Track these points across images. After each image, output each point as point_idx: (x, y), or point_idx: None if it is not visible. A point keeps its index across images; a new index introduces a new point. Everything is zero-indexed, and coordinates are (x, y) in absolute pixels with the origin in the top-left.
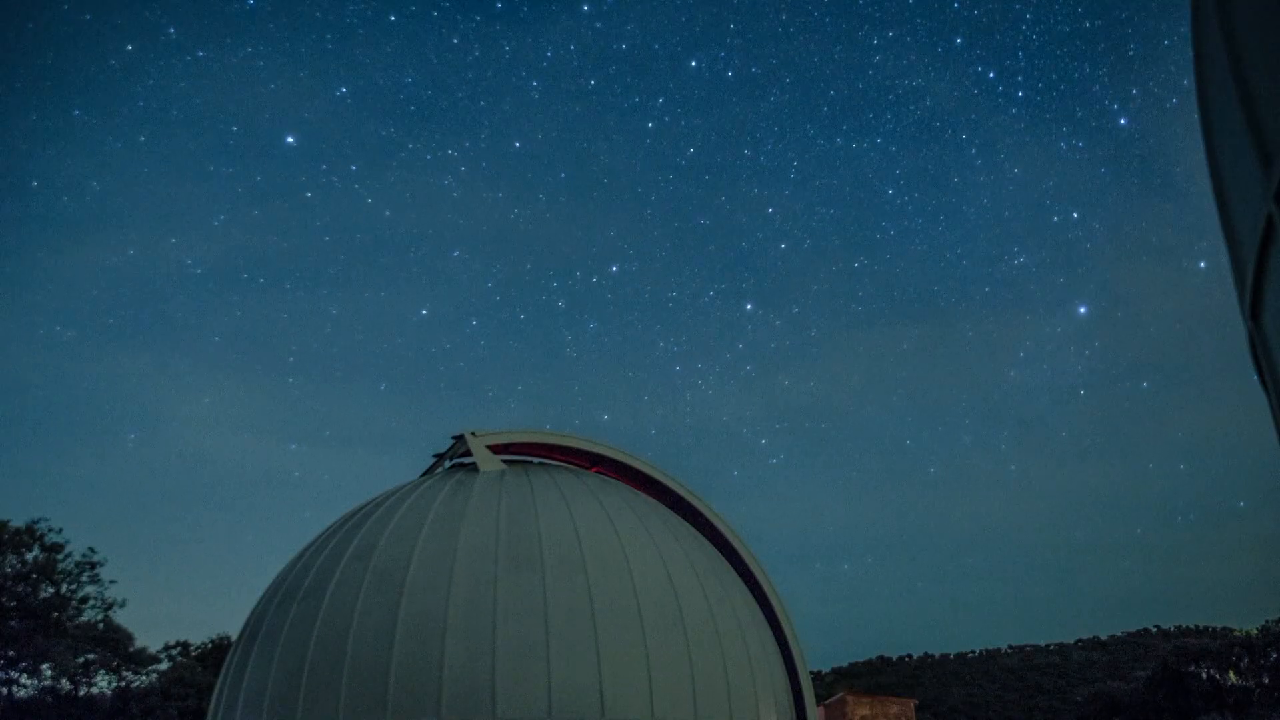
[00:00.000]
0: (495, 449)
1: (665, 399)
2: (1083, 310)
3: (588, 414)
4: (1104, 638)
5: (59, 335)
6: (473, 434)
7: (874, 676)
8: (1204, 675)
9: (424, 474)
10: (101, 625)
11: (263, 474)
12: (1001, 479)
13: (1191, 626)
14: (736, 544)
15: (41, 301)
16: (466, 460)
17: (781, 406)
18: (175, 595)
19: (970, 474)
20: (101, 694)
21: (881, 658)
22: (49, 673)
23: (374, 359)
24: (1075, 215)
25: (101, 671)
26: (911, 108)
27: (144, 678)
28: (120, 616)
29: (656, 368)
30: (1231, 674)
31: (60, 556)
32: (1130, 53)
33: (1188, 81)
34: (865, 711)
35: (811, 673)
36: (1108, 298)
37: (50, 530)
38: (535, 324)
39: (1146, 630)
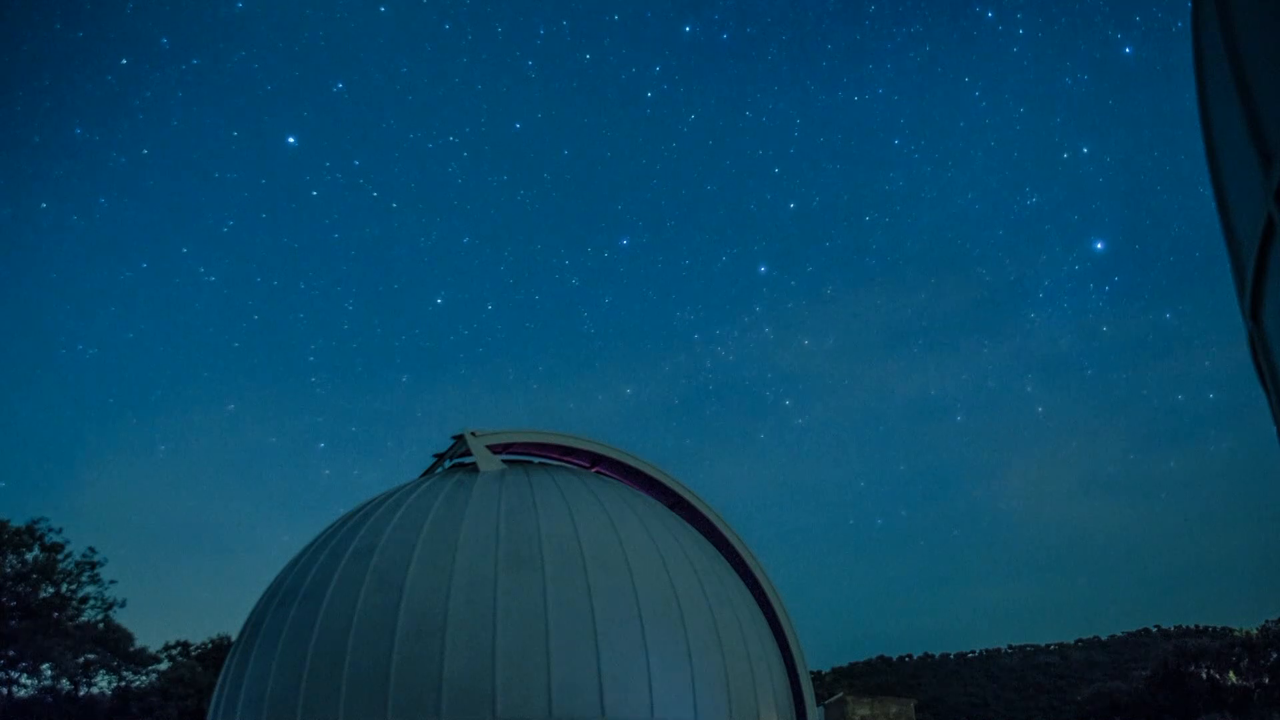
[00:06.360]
0: (495, 449)
1: (686, 368)
2: (1100, 246)
3: (610, 389)
4: (1104, 638)
5: (81, 354)
6: (473, 434)
7: (874, 676)
8: (1204, 675)
9: (424, 474)
10: (101, 625)
11: (292, 474)
12: (1030, 421)
13: (1191, 626)
14: (736, 544)
15: (59, 322)
16: (466, 460)
17: (803, 366)
18: (176, 595)
19: (998, 418)
20: (101, 694)
21: (881, 658)
22: (49, 673)
23: (394, 351)
24: (1085, 150)
25: (101, 671)
26: (911, 55)
27: (144, 678)
28: (120, 616)
29: (675, 337)
30: (1231, 674)
31: (60, 556)
32: None
33: (1190, 2)
34: (865, 711)
35: (811, 673)
36: (1124, 231)
37: (50, 530)
38: (551, 303)
39: (1146, 630)
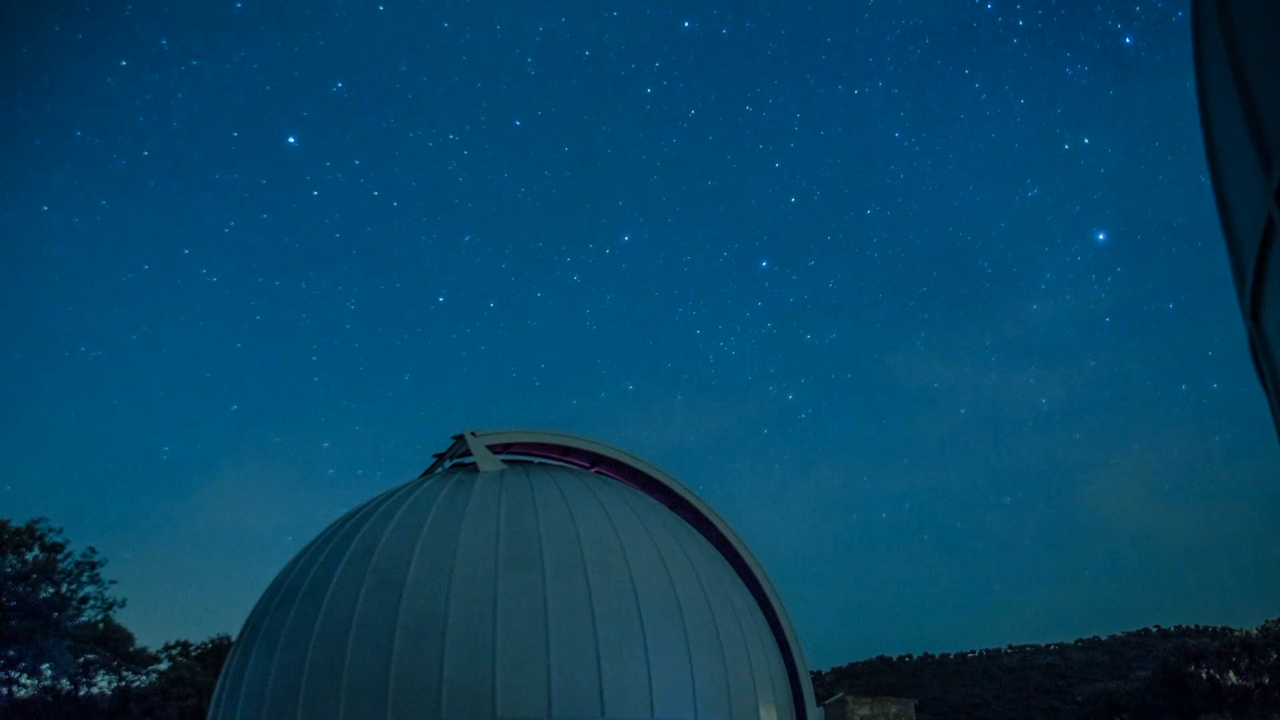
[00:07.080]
0: (495, 449)
1: (689, 364)
2: (1101, 237)
3: (612, 386)
4: (1104, 638)
5: (84, 355)
6: (472, 434)
7: (874, 676)
8: (1204, 675)
9: (424, 474)
10: (101, 625)
11: (295, 474)
12: (1032, 414)
13: (1191, 626)
14: (736, 543)
15: (62, 324)
16: (466, 460)
17: (805, 360)
18: (176, 595)
19: (1001, 411)
20: (101, 694)
21: (881, 658)
22: (49, 673)
23: (396, 351)
24: (1086, 141)
25: (101, 671)
26: (911, 48)
27: (144, 678)
28: (120, 616)
29: (677, 334)
30: (1231, 674)
31: (60, 556)
32: None
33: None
34: (865, 711)
35: (811, 673)
36: (1126, 222)
37: (50, 530)
38: (552, 301)
39: (1146, 630)
